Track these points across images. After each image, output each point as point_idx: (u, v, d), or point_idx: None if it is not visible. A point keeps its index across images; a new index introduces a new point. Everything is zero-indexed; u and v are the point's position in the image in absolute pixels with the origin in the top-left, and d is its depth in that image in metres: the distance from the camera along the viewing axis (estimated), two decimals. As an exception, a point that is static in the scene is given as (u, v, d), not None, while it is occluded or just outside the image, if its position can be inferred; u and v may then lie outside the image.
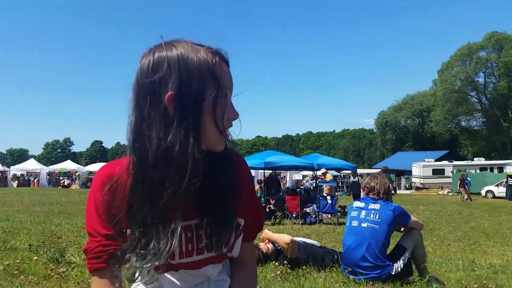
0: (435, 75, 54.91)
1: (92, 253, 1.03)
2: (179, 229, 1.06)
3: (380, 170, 13.57)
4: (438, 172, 35.48)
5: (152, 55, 0.96)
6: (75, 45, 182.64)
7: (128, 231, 1.02)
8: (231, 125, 1.05)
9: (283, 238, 3.72)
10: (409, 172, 38.01)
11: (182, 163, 0.94)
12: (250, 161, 12.72)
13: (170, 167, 0.95)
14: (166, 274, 1.12)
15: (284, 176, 29.26)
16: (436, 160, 39.01)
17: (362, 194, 3.74)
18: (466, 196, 21.02)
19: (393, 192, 13.53)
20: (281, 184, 17.32)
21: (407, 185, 37.91)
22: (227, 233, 1.11)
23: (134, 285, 1.24)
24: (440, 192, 31.14)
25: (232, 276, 1.27)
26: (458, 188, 21.67)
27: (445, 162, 36.98)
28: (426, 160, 37.80)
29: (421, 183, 35.75)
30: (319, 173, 13.50)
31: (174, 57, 0.95)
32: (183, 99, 0.94)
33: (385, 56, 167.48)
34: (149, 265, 1.02)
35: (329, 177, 12.93)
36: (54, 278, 2.63)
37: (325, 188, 12.32)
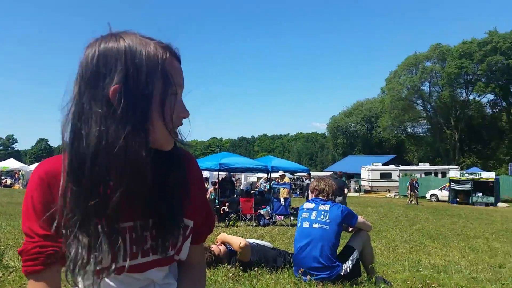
0: (383, 83, 57.47)
1: (28, 255, 0.96)
2: (123, 230, 1.02)
3: (332, 173, 13.95)
4: (385, 176, 37.10)
5: (98, 46, 0.91)
6: (19, 36, 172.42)
7: (68, 232, 0.95)
8: (181, 124, 1.02)
9: (237, 241, 3.72)
10: (358, 175, 39.44)
11: (129, 162, 0.90)
12: (205, 162, 12.61)
13: (112, 164, 0.89)
14: (107, 279, 1.07)
15: (239, 178, 29.26)
16: (383, 164, 40.77)
17: (310, 196, 3.82)
18: (413, 200, 21.90)
19: (346, 193, 13.89)
20: (236, 186, 17.32)
21: (356, 187, 39.29)
22: (173, 235, 1.07)
23: None
24: (388, 195, 32.56)
25: (179, 280, 1.24)
26: (408, 191, 22.42)
27: (392, 166, 38.78)
28: (374, 164, 39.38)
29: (369, 186, 37.21)
30: (276, 175, 13.64)
31: (121, 49, 0.90)
32: (129, 93, 0.89)
33: (337, 63, 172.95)
34: (91, 268, 0.96)
35: (286, 179, 13.11)
36: (-10, 284, 2.46)
37: (283, 191, 12.38)
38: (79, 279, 1.13)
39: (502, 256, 6.11)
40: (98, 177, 0.90)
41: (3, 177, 33.96)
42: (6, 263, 3.12)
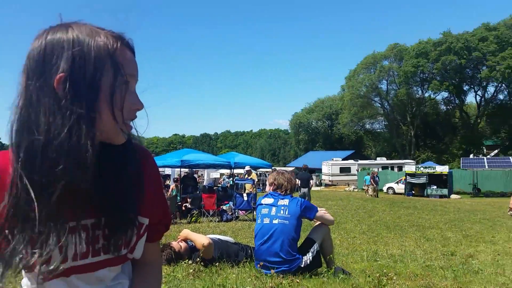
0: (344, 82, 58.96)
1: None
2: (73, 228, 0.98)
3: (294, 168, 14.25)
4: (345, 170, 38.18)
5: (45, 37, 0.88)
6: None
7: (12, 230, 0.90)
8: (135, 117, 0.98)
9: (201, 240, 3.64)
10: (320, 170, 40.25)
11: (72, 154, 0.86)
12: (167, 159, 12.40)
13: (59, 158, 0.85)
14: (53, 283, 1.02)
15: (202, 175, 29.04)
16: (343, 159, 41.99)
17: (268, 189, 3.81)
18: (373, 193, 22.65)
19: (311, 185, 14.23)
20: (198, 182, 17.17)
21: (317, 182, 40.15)
22: (126, 233, 1.03)
23: None
24: (347, 189, 33.50)
25: (134, 278, 1.20)
26: (370, 185, 23.15)
27: (351, 161, 40.00)
28: (334, 159, 40.48)
29: (330, 180, 38.15)
30: (240, 171, 13.63)
31: (69, 39, 0.87)
32: (75, 83, 0.86)
33: (300, 61, 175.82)
34: (37, 269, 0.92)
35: (254, 176, 13.08)
36: None
37: (248, 186, 12.43)
38: (24, 281, 1.08)
39: (454, 244, 6.43)
40: (46, 172, 0.86)
41: None
42: None
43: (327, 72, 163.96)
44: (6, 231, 0.90)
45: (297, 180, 20.25)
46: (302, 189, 13.26)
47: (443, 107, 54.47)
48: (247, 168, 12.81)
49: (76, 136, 0.85)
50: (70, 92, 0.85)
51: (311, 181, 13.88)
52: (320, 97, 71.78)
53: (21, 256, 0.90)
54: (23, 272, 1.06)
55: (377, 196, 22.35)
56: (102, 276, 1.09)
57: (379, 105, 56.36)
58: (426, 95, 52.01)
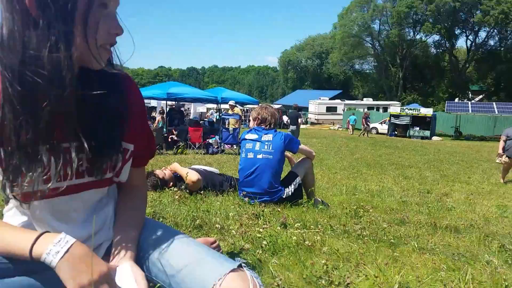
0: (336, 19, 57.23)
1: None
2: (56, 150, 0.98)
3: (281, 106, 14.34)
4: (331, 110, 38.46)
5: None
6: None
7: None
8: (114, 42, 0.97)
9: (190, 176, 3.64)
10: (306, 109, 40.41)
11: (49, 76, 0.86)
12: (152, 90, 12.20)
13: (38, 77, 0.86)
14: (38, 203, 1.04)
15: (188, 108, 28.87)
16: (330, 99, 42.06)
17: (252, 124, 3.82)
18: (365, 133, 23.09)
19: (300, 123, 14.86)
20: (185, 116, 17.08)
21: (303, 120, 40.58)
22: (110, 158, 1.06)
23: (6, 210, 1.14)
24: (332, 127, 33.96)
25: (120, 200, 1.23)
26: (362, 125, 23.47)
27: (338, 101, 40.17)
28: (321, 98, 40.44)
29: (316, 119, 38.51)
30: (226, 106, 13.52)
31: None
32: (47, 4, 0.84)
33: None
34: (22, 188, 0.94)
35: (237, 110, 13.01)
36: None
37: (232, 121, 12.46)
38: (10, 200, 1.09)
39: (430, 183, 6.71)
40: (27, 92, 0.87)
41: None
42: None
43: (319, 9, 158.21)
44: None
45: (286, 117, 21.34)
46: (290, 126, 14.00)
47: (433, 50, 53.93)
48: (231, 102, 12.70)
49: (56, 57, 0.85)
50: (44, 11, 0.84)
51: (299, 119, 14.53)
52: (311, 35, 70.08)
53: (6, 175, 0.91)
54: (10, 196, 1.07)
55: (368, 136, 22.78)
56: (88, 197, 1.11)
57: (370, 45, 55.46)
58: (418, 37, 51.39)
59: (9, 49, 0.86)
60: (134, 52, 1.08)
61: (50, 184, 1.00)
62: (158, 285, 1.09)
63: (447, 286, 1.47)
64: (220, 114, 14.19)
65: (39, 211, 1.04)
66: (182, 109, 15.92)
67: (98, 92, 0.98)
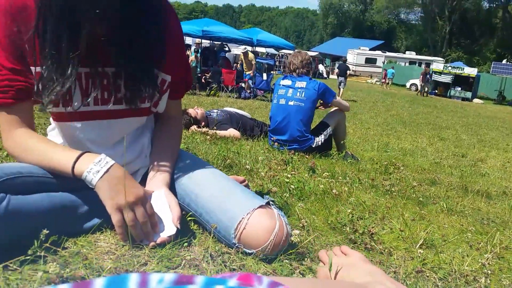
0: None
1: None
2: (94, 74, 1.00)
3: (318, 53, 13.88)
4: (370, 61, 36.93)
5: None
6: None
7: (37, 68, 0.95)
8: None
9: (233, 134, 3.68)
10: (344, 59, 39.06)
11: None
12: (187, 26, 12.01)
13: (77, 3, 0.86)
14: (79, 125, 1.08)
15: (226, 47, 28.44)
16: (370, 49, 40.19)
17: (286, 71, 3.74)
18: (424, 92, 21.69)
19: (348, 75, 16.27)
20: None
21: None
22: (148, 87, 1.06)
23: (49, 130, 1.19)
24: (369, 81, 32.83)
25: (157, 128, 1.27)
26: (421, 82, 22.00)
27: (379, 52, 38.31)
28: (361, 48, 38.74)
29: (353, 70, 37.19)
30: (262, 49, 13.04)
31: None
32: None
33: None
34: (59, 104, 0.99)
35: (251, 56, 12.20)
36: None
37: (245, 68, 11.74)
38: (51, 126, 1.14)
39: (466, 147, 6.49)
40: (66, 11, 0.87)
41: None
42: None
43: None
44: (32, 67, 0.95)
45: (322, 67, 22.61)
46: (339, 77, 15.07)
47: (486, 4, 49.84)
48: (243, 48, 11.88)
49: None
50: None
51: (347, 71, 15.88)
52: (358, -23, 65.71)
53: (48, 88, 0.94)
54: (50, 119, 1.12)
55: (427, 95, 21.22)
56: (125, 125, 1.14)
57: (419, -6, 51.77)
58: (471, -12, 47.23)
59: None
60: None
61: (88, 107, 1.04)
62: (190, 213, 1.15)
63: (473, 247, 1.46)
64: (256, 58, 13.93)
65: (78, 132, 1.08)
66: (216, 49, 15.68)
67: (138, 17, 0.98)
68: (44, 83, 0.94)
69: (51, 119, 1.13)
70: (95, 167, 0.94)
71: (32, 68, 0.96)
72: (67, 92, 0.98)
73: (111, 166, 0.95)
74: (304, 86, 3.46)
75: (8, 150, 1.02)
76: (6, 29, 0.92)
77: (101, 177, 0.93)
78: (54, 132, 1.16)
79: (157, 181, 1.12)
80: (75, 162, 0.95)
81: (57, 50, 0.90)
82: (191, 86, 1.33)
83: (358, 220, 1.53)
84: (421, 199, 2.22)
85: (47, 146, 1.00)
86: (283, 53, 28.10)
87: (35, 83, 0.95)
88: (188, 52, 16.15)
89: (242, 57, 11.78)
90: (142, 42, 1.01)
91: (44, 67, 0.93)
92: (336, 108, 3.72)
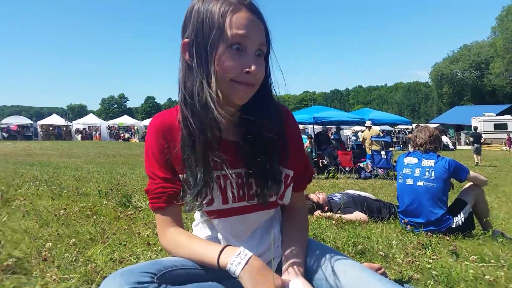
0: (494, 23, 50.21)
1: (152, 194, 1.14)
2: (228, 176, 1.13)
3: (439, 124, 13.27)
4: (500, 127, 33.41)
5: (189, 5, 1.05)
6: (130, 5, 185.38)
7: (184, 175, 1.12)
8: (249, 79, 1.03)
9: (360, 218, 3.53)
10: (469, 127, 35.96)
11: (202, 112, 1.02)
12: (298, 115, 12.60)
13: (195, 114, 1.03)
14: (219, 221, 1.20)
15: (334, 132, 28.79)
16: (497, 115, 36.62)
17: (411, 148, 3.57)
18: None
19: (482, 142, 16.81)
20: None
21: (467, 140, 36.09)
22: (274, 183, 1.16)
23: (194, 225, 1.33)
24: (503, 148, 29.32)
25: (284, 221, 1.33)
26: None
27: (508, 117, 34.61)
28: (486, 114, 35.56)
29: (482, 139, 33.80)
30: (376, 127, 12.95)
31: (195, 6, 1.02)
32: (197, 46, 1.01)
33: (437, 3, 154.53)
34: (200, 205, 1.11)
35: (375, 131, 12.24)
36: (123, 219, 2.83)
37: (367, 143, 11.93)
38: (197, 216, 1.29)
39: None
40: (193, 127, 1.04)
41: (121, 132, 38.73)
42: (135, 203, 3.57)
43: (471, 14, 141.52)
44: (180, 174, 1.13)
45: (446, 138, 22.20)
46: (475, 144, 16.20)
47: None
48: (367, 123, 12.07)
49: (203, 96, 1.01)
50: (194, 55, 1.01)
51: (481, 138, 16.94)
52: (466, 44, 62.74)
53: (190, 197, 1.10)
54: (194, 215, 1.28)
55: None
56: (257, 218, 1.24)
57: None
58: None
59: (186, 93, 1.05)
60: (284, 79, 1.15)
61: (227, 205, 1.17)
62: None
63: None
64: (370, 138, 13.73)
65: (219, 228, 1.21)
66: (329, 133, 15.98)
67: (260, 124, 1.09)
68: (188, 188, 1.11)
69: (194, 215, 1.28)
70: (236, 259, 1.02)
71: (180, 175, 1.13)
72: (209, 194, 1.10)
73: (249, 258, 1.02)
74: (433, 165, 3.24)
75: (163, 246, 1.19)
76: (159, 145, 1.12)
77: (242, 268, 1.01)
78: (197, 227, 1.32)
79: (292, 270, 1.15)
80: (219, 256, 1.03)
81: (196, 161, 1.08)
82: (312, 179, 1.39)
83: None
84: None
85: (195, 242, 1.13)
86: (399, 129, 27.22)
87: (182, 189, 1.13)
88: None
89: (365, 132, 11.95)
90: (269, 143, 1.13)
91: (187, 174, 1.10)
92: (471, 183, 3.38)
